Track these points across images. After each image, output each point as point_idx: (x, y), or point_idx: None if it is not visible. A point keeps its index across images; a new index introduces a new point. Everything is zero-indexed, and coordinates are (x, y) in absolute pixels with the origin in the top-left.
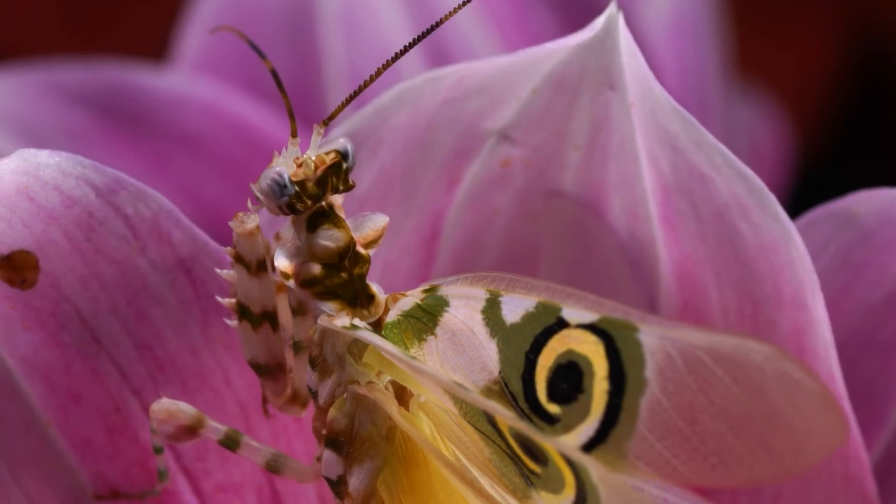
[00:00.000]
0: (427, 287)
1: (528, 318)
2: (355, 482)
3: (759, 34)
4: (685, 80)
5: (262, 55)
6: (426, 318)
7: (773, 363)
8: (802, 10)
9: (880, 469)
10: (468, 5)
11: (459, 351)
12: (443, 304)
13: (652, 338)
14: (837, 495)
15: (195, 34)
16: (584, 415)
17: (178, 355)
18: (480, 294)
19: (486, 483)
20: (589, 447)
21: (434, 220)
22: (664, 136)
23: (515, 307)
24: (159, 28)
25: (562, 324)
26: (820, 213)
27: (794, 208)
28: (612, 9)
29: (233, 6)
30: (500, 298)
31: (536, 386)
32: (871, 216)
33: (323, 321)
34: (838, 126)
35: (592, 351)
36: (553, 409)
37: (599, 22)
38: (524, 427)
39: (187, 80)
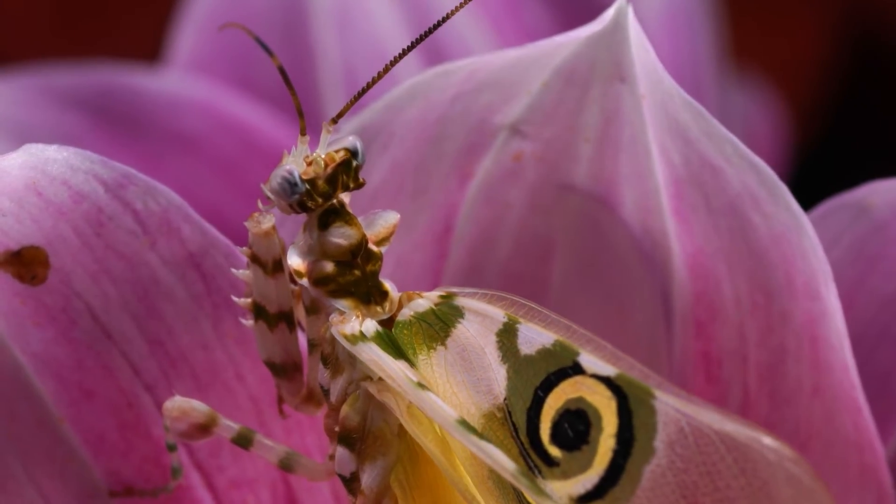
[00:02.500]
0: (444, 293)
1: (544, 353)
2: (368, 479)
3: (752, 21)
4: (680, 69)
5: (270, 53)
6: (438, 327)
7: (785, 465)
8: None
9: None
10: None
11: (468, 368)
12: (458, 315)
13: (667, 408)
14: (852, 486)
15: (189, 35)
16: (585, 467)
17: (189, 351)
18: (498, 316)
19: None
20: (585, 500)
21: (447, 215)
22: (675, 127)
23: (532, 340)
24: (152, 30)
25: (577, 369)
26: (834, 205)
27: (791, 194)
28: (621, 1)
29: (226, 6)
30: (518, 326)
31: (541, 424)
32: (885, 207)
33: (334, 325)
34: (833, 111)
35: (604, 405)
36: (554, 451)
37: (609, 14)
38: (525, 486)
39: (181, 80)
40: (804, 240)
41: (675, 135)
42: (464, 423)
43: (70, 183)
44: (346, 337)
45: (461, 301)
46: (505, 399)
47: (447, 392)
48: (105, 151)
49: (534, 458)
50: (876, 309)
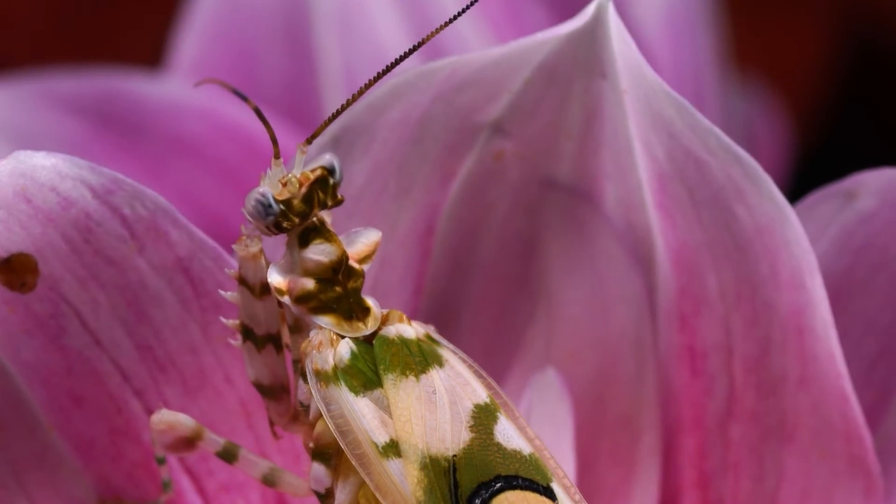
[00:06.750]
0: (428, 335)
1: (517, 455)
2: (342, 496)
3: (752, 26)
4: (681, 74)
5: (245, 98)
6: (418, 360)
7: None
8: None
9: (883, 451)
10: (460, 2)
11: (431, 410)
12: (438, 362)
13: None
14: (840, 476)
15: (190, 40)
16: None
17: (178, 355)
18: (481, 394)
19: None
20: None
21: (430, 215)
22: (658, 121)
23: (510, 437)
24: (154, 35)
25: (549, 494)
26: (820, 195)
27: (794, 198)
28: None
29: (228, 11)
30: (500, 416)
31: None
32: (872, 197)
33: (309, 352)
34: (834, 115)
35: None
36: None
37: (589, 10)
38: None
39: (182, 86)
40: (788, 231)
41: (659, 129)
42: None
43: (59, 189)
44: (318, 374)
45: (444, 353)
46: (454, 455)
47: (403, 416)
48: (106, 157)
49: None
50: (863, 299)
